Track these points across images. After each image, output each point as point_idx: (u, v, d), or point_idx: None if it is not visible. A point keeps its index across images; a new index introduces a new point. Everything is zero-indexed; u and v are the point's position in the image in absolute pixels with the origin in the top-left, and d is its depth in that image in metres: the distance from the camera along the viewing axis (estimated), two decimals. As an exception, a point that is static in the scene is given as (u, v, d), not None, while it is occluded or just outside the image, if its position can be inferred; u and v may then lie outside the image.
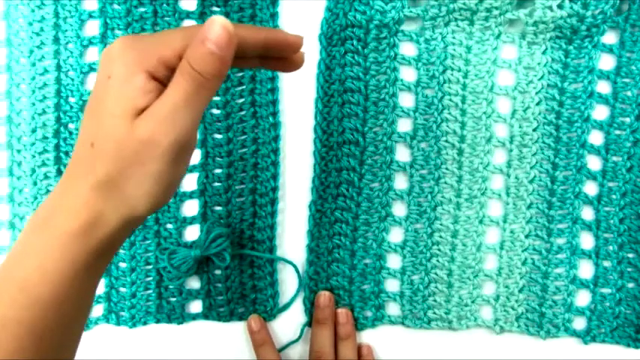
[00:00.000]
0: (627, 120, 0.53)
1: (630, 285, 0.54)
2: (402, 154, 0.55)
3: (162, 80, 0.33)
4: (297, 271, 0.56)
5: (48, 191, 0.54)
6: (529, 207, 0.54)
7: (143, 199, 0.34)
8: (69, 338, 0.37)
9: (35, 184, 0.55)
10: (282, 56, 0.38)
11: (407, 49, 0.54)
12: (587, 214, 0.55)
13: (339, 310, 0.55)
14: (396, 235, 0.55)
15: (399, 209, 0.55)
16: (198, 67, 0.32)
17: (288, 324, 0.56)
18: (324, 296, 0.55)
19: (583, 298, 0.55)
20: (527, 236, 0.54)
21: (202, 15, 0.54)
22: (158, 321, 0.56)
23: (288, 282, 0.56)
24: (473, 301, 0.55)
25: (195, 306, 0.56)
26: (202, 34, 0.31)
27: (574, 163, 0.54)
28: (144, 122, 0.32)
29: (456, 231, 0.55)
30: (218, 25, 0.31)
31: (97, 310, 0.56)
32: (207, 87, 0.32)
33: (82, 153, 0.34)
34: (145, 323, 0.56)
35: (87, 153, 0.34)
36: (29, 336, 0.33)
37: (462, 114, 0.54)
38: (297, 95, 0.55)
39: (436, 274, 0.55)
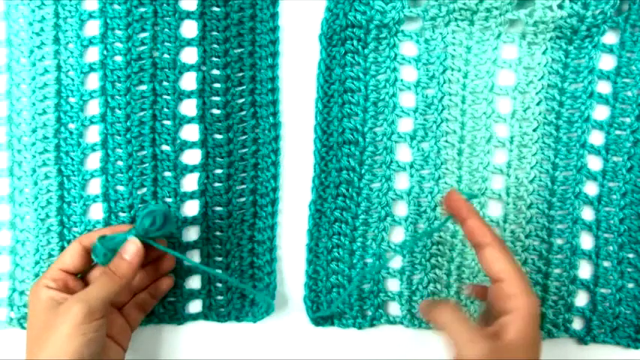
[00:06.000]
0: (627, 120, 0.53)
1: (630, 285, 0.54)
2: (402, 154, 0.55)
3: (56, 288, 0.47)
4: (269, 295, 0.55)
5: (48, 191, 0.54)
6: (529, 207, 0.54)
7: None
8: None
9: (36, 184, 0.55)
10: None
11: (407, 49, 0.54)
12: (587, 214, 0.55)
13: None
14: (395, 235, 0.55)
15: (399, 209, 0.55)
16: (115, 269, 0.47)
17: (288, 324, 0.56)
18: None
19: (583, 299, 0.55)
20: (527, 236, 0.54)
21: (202, 15, 0.54)
22: (158, 321, 0.56)
23: (289, 282, 0.56)
24: (472, 302, 0.55)
25: (195, 306, 0.56)
26: (121, 249, 0.48)
27: (574, 163, 0.54)
28: (66, 302, 0.45)
29: (455, 231, 0.55)
30: (132, 243, 0.48)
31: (98, 310, 0.56)
32: (118, 282, 0.47)
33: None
34: (145, 323, 0.56)
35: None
36: None
37: (462, 114, 0.54)
38: (297, 95, 0.55)
39: (435, 274, 0.55)
